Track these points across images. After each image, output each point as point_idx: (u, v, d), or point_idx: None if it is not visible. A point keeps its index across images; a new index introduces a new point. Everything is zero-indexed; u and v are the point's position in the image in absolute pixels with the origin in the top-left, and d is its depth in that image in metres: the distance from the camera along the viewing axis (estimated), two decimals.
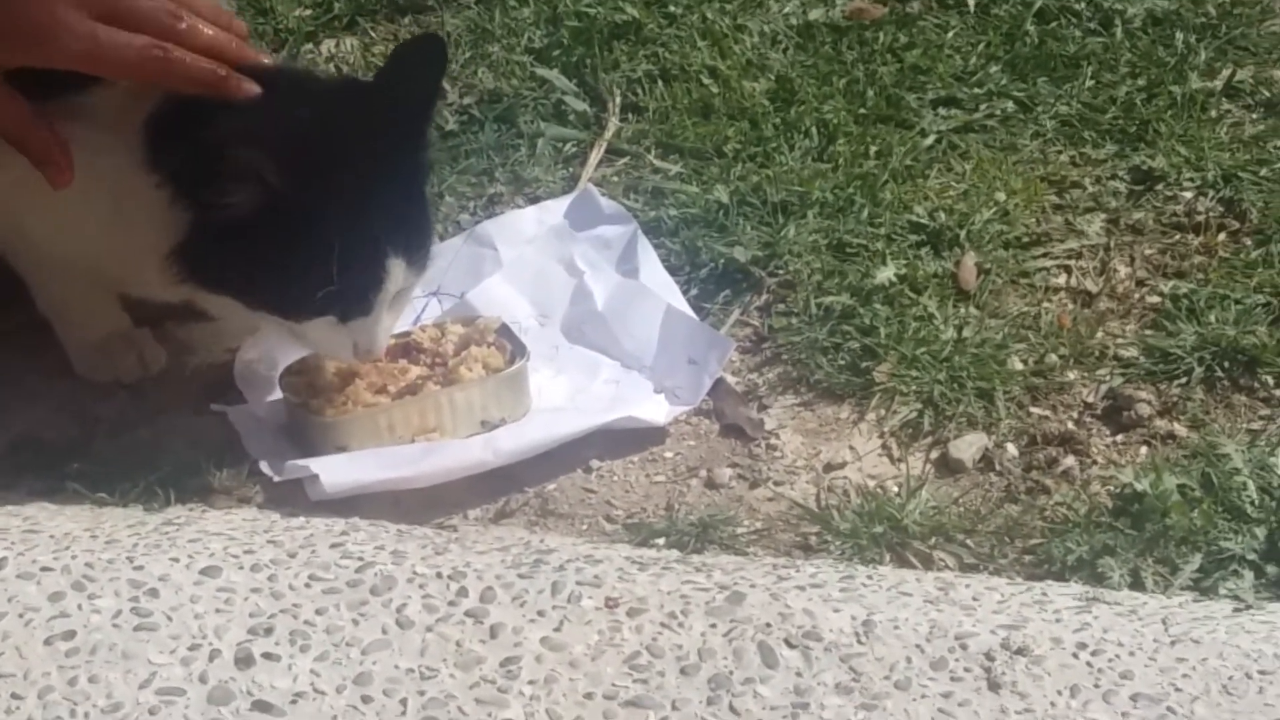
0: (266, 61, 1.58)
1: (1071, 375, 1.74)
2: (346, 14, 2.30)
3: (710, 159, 2.01)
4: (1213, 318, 1.77)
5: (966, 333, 1.76)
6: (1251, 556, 1.49)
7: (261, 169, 1.50)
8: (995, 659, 1.34)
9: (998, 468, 1.64)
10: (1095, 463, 1.65)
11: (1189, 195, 1.95)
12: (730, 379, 1.75)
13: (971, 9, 2.27)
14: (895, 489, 1.62)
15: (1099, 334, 1.78)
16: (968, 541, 1.55)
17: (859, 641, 1.36)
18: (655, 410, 1.68)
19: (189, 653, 1.33)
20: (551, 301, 1.82)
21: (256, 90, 1.52)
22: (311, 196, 1.52)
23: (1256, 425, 1.67)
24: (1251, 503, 1.54)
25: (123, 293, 1.74)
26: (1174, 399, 1.70)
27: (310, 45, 2.26)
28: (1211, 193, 1.95)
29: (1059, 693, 1.32)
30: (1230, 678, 1.33)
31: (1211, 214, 1.92)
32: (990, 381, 1.71)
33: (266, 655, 1.33)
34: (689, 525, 1.56)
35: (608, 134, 2.06)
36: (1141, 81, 2.12)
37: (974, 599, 1.43)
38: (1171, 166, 1.98)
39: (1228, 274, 1.84)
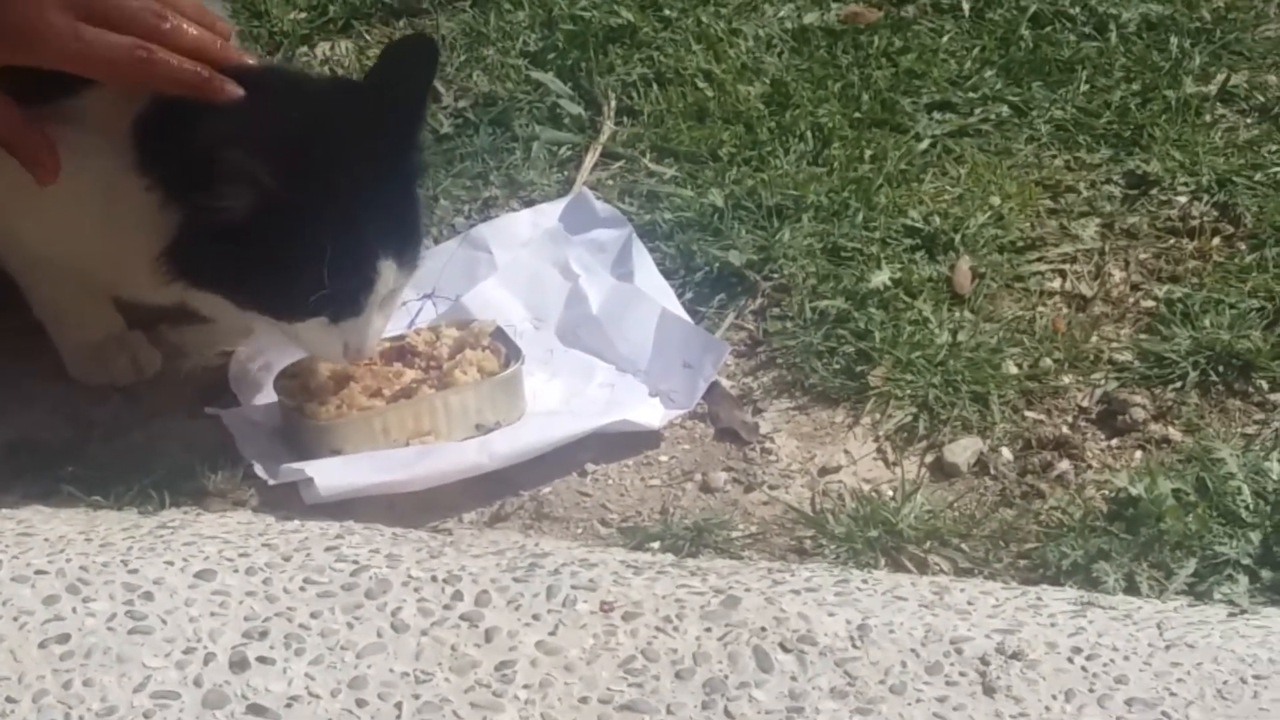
0: (251, 62, 1.58)
1: (1066, 379, 1.74)
2: (341, 17, 2.30)
3: (705, 163, 2.01)
4: (1207, 322, 1.77)
5: (961, 337, 1.76)
6: (1246, 561, 1.49)
7: (253, 171, 1.50)
8: (990, 663, 1.34)
9: (992, 472, 1.64)
10: (1090, 467, 1.65)
11: (1184, 200, 1.96)
12: (725, 383, 1.75)
13: (966, 13, 2.27)
14: (890, 493, 1.62)
15: (1094, 338, 1.78)
16: (963, 546, 1.55)
17: (854, 645, 1.36)
18: (650, 414, 1.68)
19: (184, 656, 1.33)
20: (546, 305, 1.82)
21: (239, 93, 1.52)
22: (303, 198, 1.51)
23: (1251, 429, 1.68)
24: (1246, 507, 1.54)
25: (116, 296, 1.74)
26: (1169, 403, 1.70)
27: (305, 48, 2.26)
28: (1206, 197, 1.95)
29: (1054, 697, 1.32)
30: (1225, 682, 1.33)
31: (1206, 218, 1.93)
32: (985, 385, 1.71)
33: (261, 659, 1.33)
34: (684, 529, 1.56)
35: (603, 137, 2.06)
36: (1136, 86, 2.13)
37: (969, 603, 1.43)
38: (1166, 171, 1.98)
39: (1222, 278, 1.84)
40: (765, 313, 1.82)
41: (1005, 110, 2.10)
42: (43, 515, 1.54)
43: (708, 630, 1.37)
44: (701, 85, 2.13)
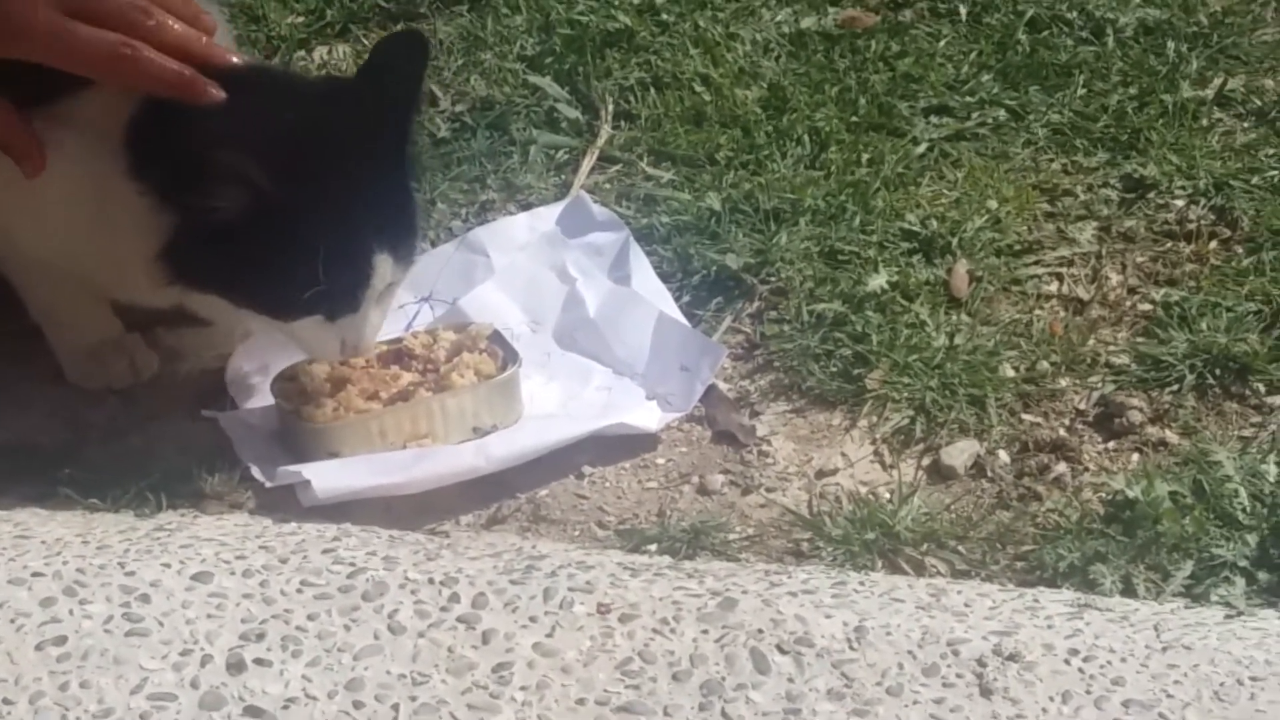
0: (236, 60, 1.58)
1: (1063, 382, 1.74)
2: (339, 21, 2.30)
3: (702, 166, 2.01)
4: (1204, 325, 1.77)
5: (958, 340, 1.76)
6: (1243, 563, 1.49)
7: (246, 171, 1.50)
8: (987, 665, 1.34)
9: (989, 474, 1.64)
10: (1087, 469, 1.65)
11: (1181, 203, 1.96)
12: (722, 386, 1.75)
13: (964, 18, 2.27)
14: (887, 495, 1.62)
15: (1091, 341, 1.78)
16: (959, 548, 1.55)
17: (851, 647, 1.36)
18: (647, 417, 1.68)
19: (180, 658, 1.33)
20: (543, 308, 1.82)
21: (220, 96, 1.52)
22: (297, 196, 1.51)
23: (1248, 432, 1.68)
24: (1243, 510, 1.55)
25: (113, 299, 1.74)
26: (1165, 406, 1.70)
27: (302, 52, 2.26)
28: (1203, 201, 1.95)
29: (1051, 699, 1.32)
30: (1222, 684, 1.33)
31: (1203, 222, 1.93)
32: (982, 388, 1.71)
33: (258, 661, 1.33)
34: (681, 531, 1.56)
35: (600, 141, 2.06)
36: (1133, 90, 2.13)
37: (966, 605, 1.43)
38: (1163, 175, 1.98)
39: (1219, 282, 1.84)
40: (762, 316, 1.82)
41: (1002, 114, 2.10)
42: (40, 518, 1.54)
43: (705, 632, 1.37)
44: (699, 89, 2.13)
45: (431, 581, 1.41)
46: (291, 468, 1.58)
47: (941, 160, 2.03)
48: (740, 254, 1.86)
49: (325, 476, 1.57)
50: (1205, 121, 2.08)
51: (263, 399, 1.70)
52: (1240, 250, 1.89)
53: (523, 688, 1.32)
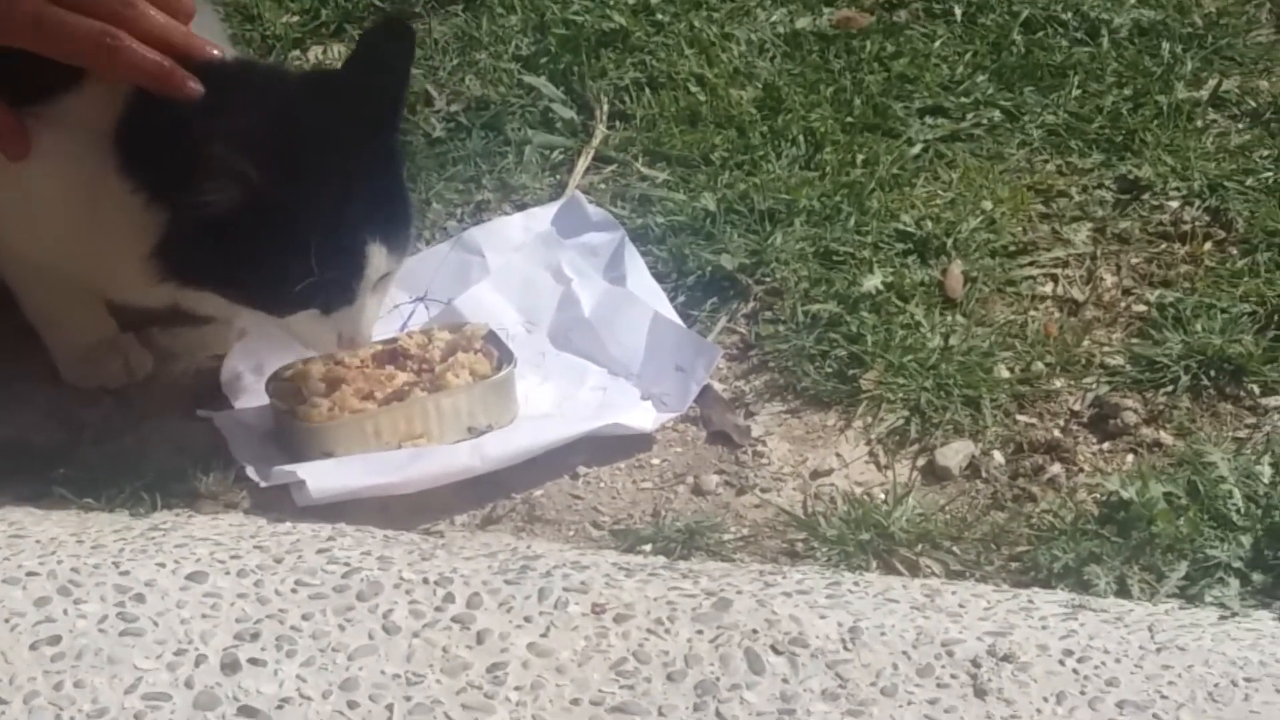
0: (216, 52, 1.56)
1: (1058, 383, 1.74)
2: (334, 21, 2.30)
3: (697, 167, 2.01)
4: (1199, 326, 1.77)
5: (953, 341, 1.76)
6: (1237, 564, 1.49)
7: (238, 165, 1.50)
8: (981, 666, 1.34)
9: (984, 475, 1.65)
10: (1081, 470, 1.65)
11: (1175, 204, 1.96)
12: (717, 386, 1.75)
13: (958, 18, 2.27)
14: (882, 496, 1.62)
15: (1085, 342, 1.78)
16: (954, 548, 1.55)
17: (845, 648, 1.36)
18: (642, 417, 1.68)
19: (175, 658, 1.33)
20: (539, 308, 1.82)
21: (200, 90, 1.51)
22: (288, 189, 1.51)
23: (1242, 433, 1.68)
24: (1237, 511, 1.55)
25: (107, 298, 1.74)
26: (1160, 407, 1.71)
27: (297, 52, 2.26)
28: (1198, 202, 1.95)
29: (1045, 699, 1.32)
30: (1216, 685, 1.33)
31: (1198, 223, 1.93)
32: (977, 389, 1.71)
33: (252, 660, 1.33)
34: (676, 532, 1.56)
35: (595, 141, 2.06)
36: (1128, 91, 2.13)
37: (960, 606, 1.43)
38: (1158, 176, 1.98)
39: (1214, 283, 1.84)
40: (757, 316, 1.82)
41: (997, 115, 2.10)
42: (34, 517, 1.54)
43: (699, 632, 1.37)
44: (694, 90, 2.13)
45: (426, 581, 1.41)
46: (286, 467, 1.58)
47: (936, 161, 2.03)
48: (735, 254, 1.86)
49: (320, 476, 1.57)
50: (1200, 123, 2.08)
51: (257, 399, 1.70)
52: (1235, 251, 1.89)
53: (517, 688, 1.32)
